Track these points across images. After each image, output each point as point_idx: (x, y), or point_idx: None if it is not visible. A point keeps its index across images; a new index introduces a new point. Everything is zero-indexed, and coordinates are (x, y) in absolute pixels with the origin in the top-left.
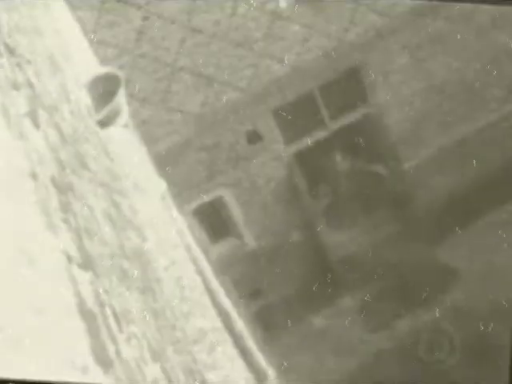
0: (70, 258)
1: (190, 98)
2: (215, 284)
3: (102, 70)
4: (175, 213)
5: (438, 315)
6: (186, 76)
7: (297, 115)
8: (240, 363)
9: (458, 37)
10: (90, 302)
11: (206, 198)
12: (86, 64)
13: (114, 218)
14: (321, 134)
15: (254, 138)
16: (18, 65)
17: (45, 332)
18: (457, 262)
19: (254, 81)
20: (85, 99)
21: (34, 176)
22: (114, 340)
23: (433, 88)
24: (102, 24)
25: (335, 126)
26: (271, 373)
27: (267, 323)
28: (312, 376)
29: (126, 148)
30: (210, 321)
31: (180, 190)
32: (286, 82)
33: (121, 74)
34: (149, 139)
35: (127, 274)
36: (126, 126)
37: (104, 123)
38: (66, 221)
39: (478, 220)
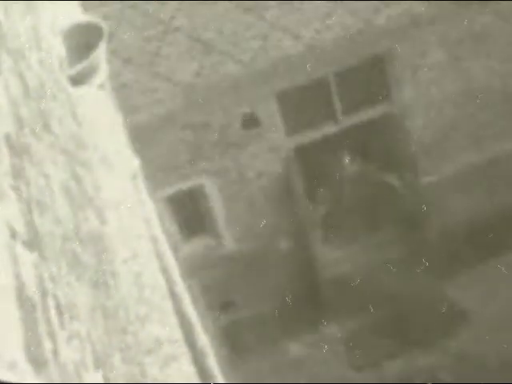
0: (13, 233)
1: (181, 65)
2: (181, 288)
3: (84, 17)
4: (145, 197)
5: (436, 361)
6: (181, 38)
7: (305, 103)
8: None
9: (506, 37)
10: (31, 289)
11: (184, 185)
12: (66, 8)
13: (72, 192)
14: (330, 129)
15: (250, 122)
16: None
17: None
18: (468, 303)
19: (259, 55)
20: (58, 49)
21: None
22: (52, 336)
23: (468, 93)
24: None
25: (348, 121)
26: None
27: (235, 342)
28: None
29: (98, 113)
30: (169, 330)
31: (155, 172)
32: (297, 62)
33: (105, 25)
34: (127, 106)
35: (79, 262)
36: (102, 86)
37: (77, 80)
38: (15, 188)
39: (499, 256)
